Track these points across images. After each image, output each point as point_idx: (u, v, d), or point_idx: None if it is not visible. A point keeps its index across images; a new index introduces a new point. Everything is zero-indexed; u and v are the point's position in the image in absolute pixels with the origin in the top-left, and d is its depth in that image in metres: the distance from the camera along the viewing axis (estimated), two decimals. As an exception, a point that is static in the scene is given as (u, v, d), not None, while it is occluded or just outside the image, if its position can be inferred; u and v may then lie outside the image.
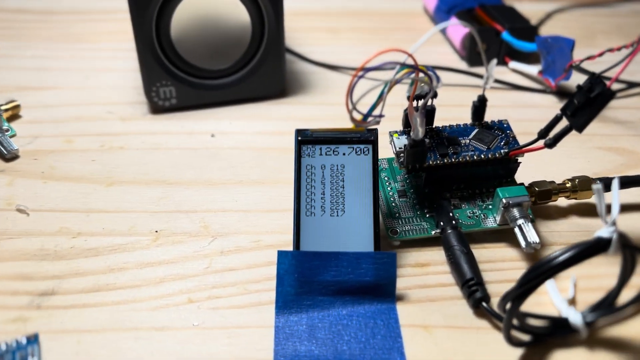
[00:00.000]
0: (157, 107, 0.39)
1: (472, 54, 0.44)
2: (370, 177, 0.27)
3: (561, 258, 0.20)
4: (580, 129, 0.27)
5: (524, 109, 0.41)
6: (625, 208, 0.32)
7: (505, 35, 0.43)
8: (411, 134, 0.28)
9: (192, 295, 0.26)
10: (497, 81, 0.43)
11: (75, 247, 0.29)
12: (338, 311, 0.26)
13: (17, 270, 0.27)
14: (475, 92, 0.42)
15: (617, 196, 0.21)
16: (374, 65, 0.25)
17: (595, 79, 0.26)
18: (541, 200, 0.31)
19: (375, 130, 0.28)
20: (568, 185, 0.31)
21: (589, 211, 0.32)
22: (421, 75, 0.27)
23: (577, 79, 0.43)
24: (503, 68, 0.45)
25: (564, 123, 0.27)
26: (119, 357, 0.24)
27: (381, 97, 0.26)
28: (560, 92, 0.42)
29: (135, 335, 0.25)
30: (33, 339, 0.24)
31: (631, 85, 0.43)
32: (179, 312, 0.26)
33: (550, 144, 0.27)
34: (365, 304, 0.26)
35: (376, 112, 0.27)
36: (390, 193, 0.31)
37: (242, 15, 0.37)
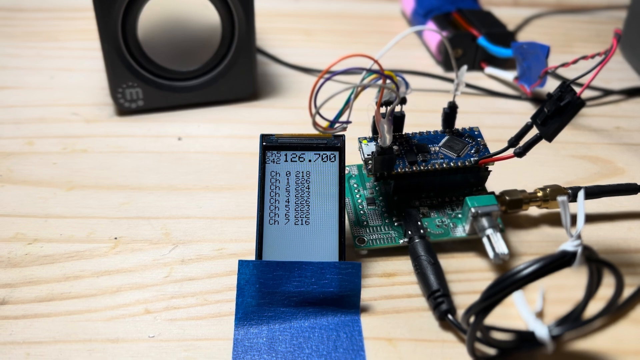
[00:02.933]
0: (124, 109, 0.37)
1: (448, 59, 0.44)
2: (337, 185, 0.27)
3: (524, 272, 0.20)
4: (549, 138, 0.26)
5: (499, 115, 0.40)
6: (597, 218, 0.32)
7: (482, 40, 0.43)
8: (378, 140, 0.27)
9: (150, 306, 0.25)
10: (472, 87, 0.42)
11: (30, 254, 0.28)
12: (300, 323, 0.25)
13: (-33, 278, 0.26)
14: (447, 98, 0.42)
15: (582, 208, 0.20)
16: (340, 70, 0.24)
17: (565, 87, 0.26)
18: (512, 210, 0.30)
19: (343, 136, 0.27)
20: (539, 194, 0.30)
21: (556, 220, 0.31)
22: (389, 81, 0.26)
23: (552, 86, 0.43)
24: (479, 73, 0.44)
25: (535, 131, 0.27)
26: (68, 371, 0.23)
27: (348, 104, 0.26)
28: (536, 99, 0.41)
29: (89, 347, 0.24)
30: (-22, 352, 0.23)
31: (606, 92, 0.42)
32: (135, 323, 0.25)
33: (520, 153, 0.27)
34: (328, 315, 0.25)
35: (343, 118, 0.26)
36: (359, 200, 0.30)
37: (211, 16, 0.36)
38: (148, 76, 0.37)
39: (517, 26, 0.52)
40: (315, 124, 0.25)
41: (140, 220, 0.30)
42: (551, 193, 0.30)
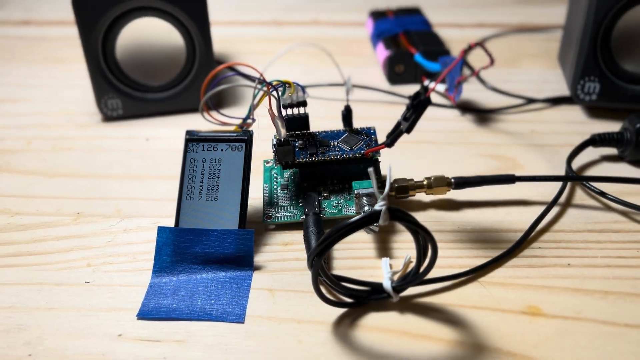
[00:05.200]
0: (107, 117, 0.46)
1: (392, 74, 0.50)
2: (241, 169, 0.33)
3: (344, 224, 0.26)
4: (408, 131, 0.32)
5: (430, 122, 0.46)
6: (482, 204, 0.37)
7: (417, 57, 0.48)
8: (276, 134, 0.34)
9: (91, 261, 0.33)
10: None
11: (11, 224, 0.36)
12: (203, 276, 0.32)
13: (-39, 239, 0.34)
14: (391, 107, 0.48)
15: (389, 179, 0.26)
16: (231, 74, 0.31)
17: (422, 89, 0.32)
18: (400, 195, 0.36)
19: (251, 131, 0.34)
20: (425, 182, 0.36)
21: (445, 205, 0.36)
22: (295, 86, 0.33)
23: (478, 94, 0.49)
24: (419, 87, 0.50)
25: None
26: (20, 302, 0.30)
27: (250, 111, 0.33)
28: (462, 106, 0.47)
29: (38, 288, 0.31)
30: (-43, 287, 0.30)
31: (530, 101, 0.47)
32: (77, 272, 0.32)
33: (389, 144, 0.33)
34: (226, 271, 0.32)
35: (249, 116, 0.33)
36: (275, 186, 0.37)
37: (177, 40, 0.44)
38: (125, 89, 0.45)
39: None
40: (201, 110, 0.31)
41: (100, 200, 0.37)
42: (435, 181, 0.36)
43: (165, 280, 0.31)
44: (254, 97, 0.33)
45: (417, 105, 0.31)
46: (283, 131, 0.33)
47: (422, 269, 0.28)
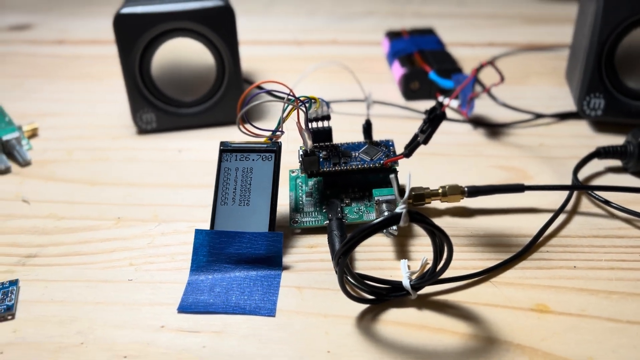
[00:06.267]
0: (142, 130, 0.49)
1: (407, 90, 0.53)
2: (271, 178, 0.36)
3: (368, 225, 0.28)
4: (424, 142, 0.35)
5: (445, 135, 0.48)
6: (492, 212, 0.39)
7: (432, 74, 0.51)
8: (303, 145, 0.36)
9: (133, 261, 0.36)
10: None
11: (58, 227, 0.39)
12: (236, 274, 0.34)
13: (13, 240, 0.37)
14: (407, 122, 0.51)
15: (409, 185, 0.29)
16: (264, 89, 0.34)
17: (438, 104, 0.34)
18: (417, 202, 0.38)
19: (279, 142, 0.37)
20: (439, 190, 0.39)
21: (459, 212, 0.39)
22: (320, 101, 0.36)
23: (490, 110, 0.52)
24: (434, 102, 0.53)
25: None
26: (71, 297, 0.33)
27: (279, 124, 0.36)
28: (474, 121, 0.50)
29: (87, 285, 0.34)
30: (14, 282, 0.34)
31: (538, 116, 0.50)
32: (121, 271, 0.35)
33: (407, 154, 0.36)
34: (257, 270, 0.35)
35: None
36: (300, 194, 0.40)
37: (207, 59, 0.48)
38: (160, 105, 0.48)
39: (481, 63, 0.60)
40: (238, 124, 0.34)
41: (138, 206, 0.40)
42: (449, 190, 0.38)
43: (202, 278, 0.34)
44: (284, 110, 0.36)
45: (434, 119, 0.34)
46: (310, 142, 0.36)
47: (438, 268, 0.31)
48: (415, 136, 0.36)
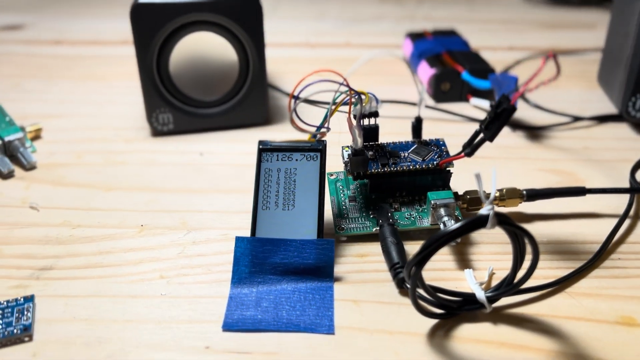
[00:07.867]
0: (157, 131, 0.45)
1: (437, 91, 0.50)
2: (317, 179, 0.33)
3: (449, 229, 0.25)
4: (491, 139, 0.32)
5: (481, 139, 0.46)
6: (552, 217, 0.36)
7: (465, 75, 0.49)
8: (352, 144, 0.33)
9: (164, 273, 0.32)
10: (459, 115, 0.48)
11: (74, 236, 0.34)
12: (283, 287, 0.31)
13: (24, 251, 0.33)
14: (439, 124, 0.48)
15: (494, 184, 0.26)
16: (315, 80, 0.31)
17: (504, 98, 0.32)
18: (472, 207, 0.35)
19: (324, 141, 0.34)
20: (497, 194, 0.35)
21: (516, 218, 0.36)
22: (369, 96, 0.33)
23: (524, 112, 0.49)
24: (466, 104, 0.50)
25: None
26: (96, 314, 0.29)
27: (326, 119, 0.32)
28: (511, 123, 0.47)
29: (113, 301, 0.30)
30: (29, 298, 0.29)
31: (576, 119, 0.48)
32: (151, 284, 0.31)
33: (469, 153, 0.32)
34: (307, 282, 0.31)
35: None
36: (343, 198, 0.36)
37: (230, 55, 0.44)
38: (177, 104, 0.44)
39: (507, 66, 0.58)
40: (291, 121, 0.31)
41: (163, 212, 0.36)
42: (507, 193, 0.35)
43: (246, 292, 0.30)
44: (333, 102, 0.32)
45: (502, 113, 0.31)
46: (360, 140, 0.33)
47: (518, 278, 0.28)
48: (476, 134, 0.33)
